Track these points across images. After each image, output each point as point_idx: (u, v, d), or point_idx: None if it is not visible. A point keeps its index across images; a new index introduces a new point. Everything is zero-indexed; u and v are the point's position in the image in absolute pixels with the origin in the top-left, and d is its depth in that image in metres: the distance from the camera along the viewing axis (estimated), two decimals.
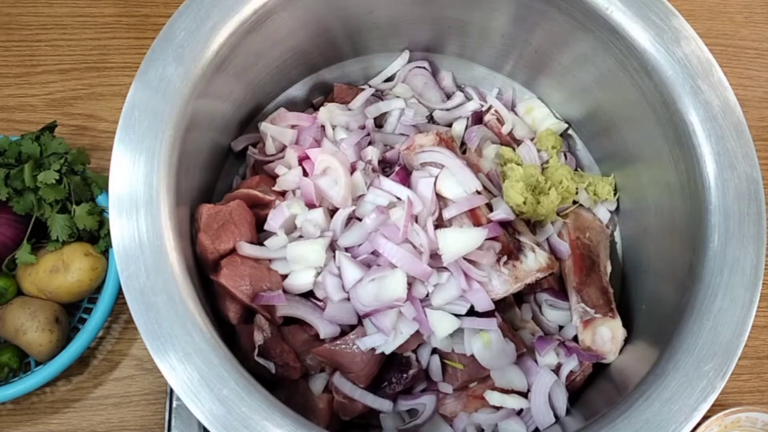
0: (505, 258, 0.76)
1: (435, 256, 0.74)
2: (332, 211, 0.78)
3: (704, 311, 0.67)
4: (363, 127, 0.86)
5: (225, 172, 0.88)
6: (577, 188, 0.88)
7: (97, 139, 0.96)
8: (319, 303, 0.75)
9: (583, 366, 0.79)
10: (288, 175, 0.80)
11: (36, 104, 0.97)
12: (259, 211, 0.79)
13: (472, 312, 0.75)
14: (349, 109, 0.88)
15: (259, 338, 0.73)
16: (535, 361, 0.78)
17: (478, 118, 0.93)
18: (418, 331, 0.74)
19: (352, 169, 0.79)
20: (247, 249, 0.75)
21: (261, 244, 0.76)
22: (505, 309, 0.82)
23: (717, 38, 1.11)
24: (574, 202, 0.88)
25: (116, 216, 0.63)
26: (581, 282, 0.83)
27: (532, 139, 0.92)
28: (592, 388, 0.81)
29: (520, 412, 0.77)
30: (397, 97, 0.90)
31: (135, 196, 0.64)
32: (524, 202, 0.81)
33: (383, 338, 0.72)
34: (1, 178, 0.79)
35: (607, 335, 0.80)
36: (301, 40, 0.84)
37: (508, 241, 0.77)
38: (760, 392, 0.95)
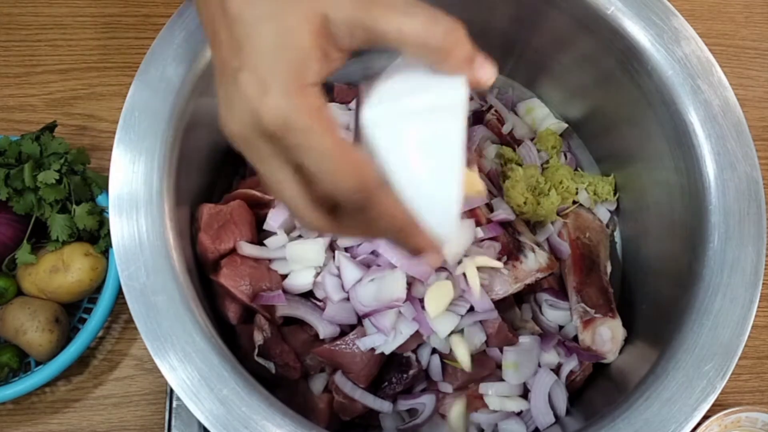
0: (505, 258, 0.76)
1: None
2: None
3: (704, 311, 0.67)
4: None
5: (225, 172, 0.87)
6: (577, 188, 0.88)
7: (97, 139, 0.95)
8: (318, 303, 0.75)
9: (583, 366, 0.79)
10: None
11: (36, 104, 0.96)
12: (259, 211, 0.79)
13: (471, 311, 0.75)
14: (349, 109, 0.88)
15: (259, 338, 0.73)
16: None
17: (478, 117, 0.92)
18: (418, 331, 0.73)
19: None
20: (248, 249, 0.74)
21: (261, 243, 0.76)
22: (505, 309, 0.81)
23: (717, 38, 1.11)
24: (574, 202, 0.88)
25: (116, 216, 0.63)
26: (581, 282, 0.83)
27: (532, 139, 0.92)
28: (592, 388, 0.81)
29: (520, 413, 0.77)
30: None
31: (135, 196, 0.64)
32: (525, 203, 0.81)
33: (383, 338, 0.72)
34: (1, 178, 0.79)
35: (607, 335, 0.80)
36: None
37: (508, 241, 0.77)
38: (760, 392, 0.95)
